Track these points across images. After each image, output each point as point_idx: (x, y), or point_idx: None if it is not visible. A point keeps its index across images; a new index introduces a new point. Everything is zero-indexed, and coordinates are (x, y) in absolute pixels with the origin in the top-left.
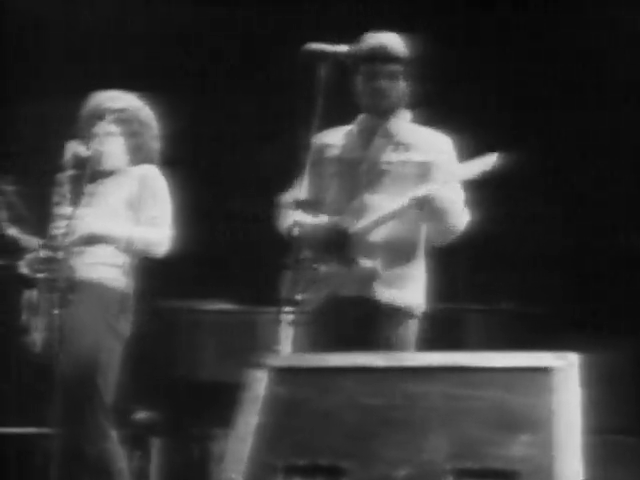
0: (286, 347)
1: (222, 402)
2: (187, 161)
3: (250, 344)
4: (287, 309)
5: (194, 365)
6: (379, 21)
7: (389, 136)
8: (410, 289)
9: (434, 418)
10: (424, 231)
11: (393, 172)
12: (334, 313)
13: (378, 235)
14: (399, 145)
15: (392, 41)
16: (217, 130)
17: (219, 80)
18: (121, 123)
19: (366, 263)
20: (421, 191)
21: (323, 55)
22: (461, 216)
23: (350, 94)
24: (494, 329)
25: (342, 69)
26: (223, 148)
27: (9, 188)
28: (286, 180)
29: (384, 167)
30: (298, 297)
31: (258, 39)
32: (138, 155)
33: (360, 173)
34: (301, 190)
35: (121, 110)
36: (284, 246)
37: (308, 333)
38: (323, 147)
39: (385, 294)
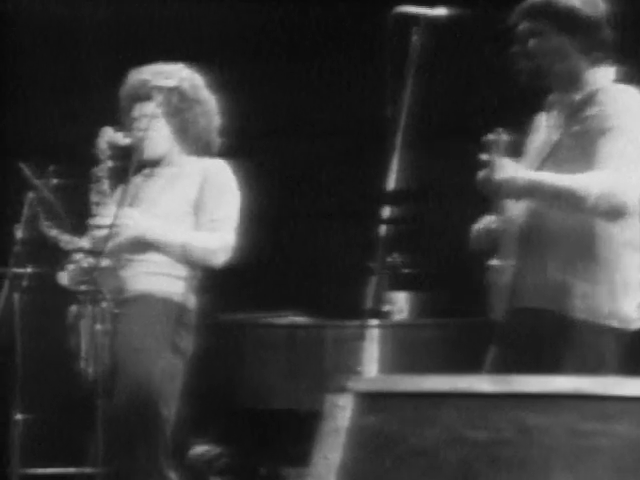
0: (371, 368)
1: (295, 435)
2: (247, 155)
3: (328, 364)
4: (372, 322)
5: (261, 389)
6: None
7: (569, 109)
8: (604, 296)
9: (556, 457)
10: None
11: (568, 151)
12: (513, 330)
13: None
14: (579, 115)
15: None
16: (283, 117)
17: (290, 53)
18: (168, 102)
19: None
20: (498, 173)
21: (417, 19)
22: (584, 205)
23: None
24: (633, 347)
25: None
26: (288, 139)
27: (48, 183)
28: (363, 174)
29: (559, 147)
30: (385, 308)
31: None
32: (190, 141)
33: (539, 161)
34: (392, 179)
35: (171, 88)
36: (366, 247)
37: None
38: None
39: (575, 305)
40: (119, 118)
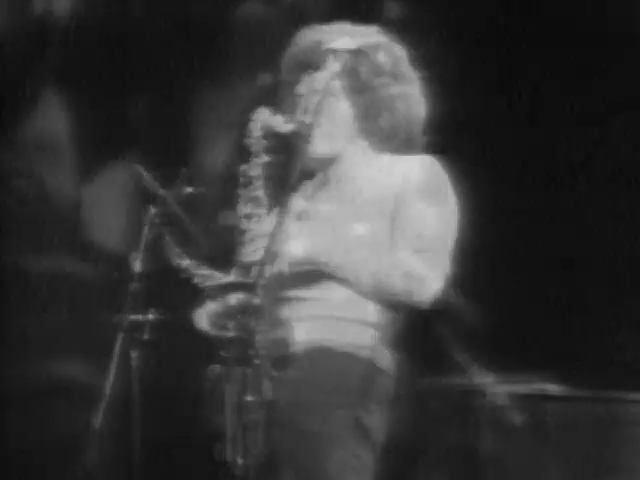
0: None
1: None
2: (463, 149)
3: (623, 458)
4: None
5: None
6: None
7: None
8: None
9: None
10: None
11: None
12: None
13: None
14: None
15: None
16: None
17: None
18: (350, 76)
19: None
20: None
21: None
22: None
23: None
24: None
25: None
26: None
27: (179, 193)
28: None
29: None
30: None
31: None
32: (381, 133)
33: None
34: None
35: (354, 52)
36: None
37: None
38: None
39: None
40: (279, 95)
